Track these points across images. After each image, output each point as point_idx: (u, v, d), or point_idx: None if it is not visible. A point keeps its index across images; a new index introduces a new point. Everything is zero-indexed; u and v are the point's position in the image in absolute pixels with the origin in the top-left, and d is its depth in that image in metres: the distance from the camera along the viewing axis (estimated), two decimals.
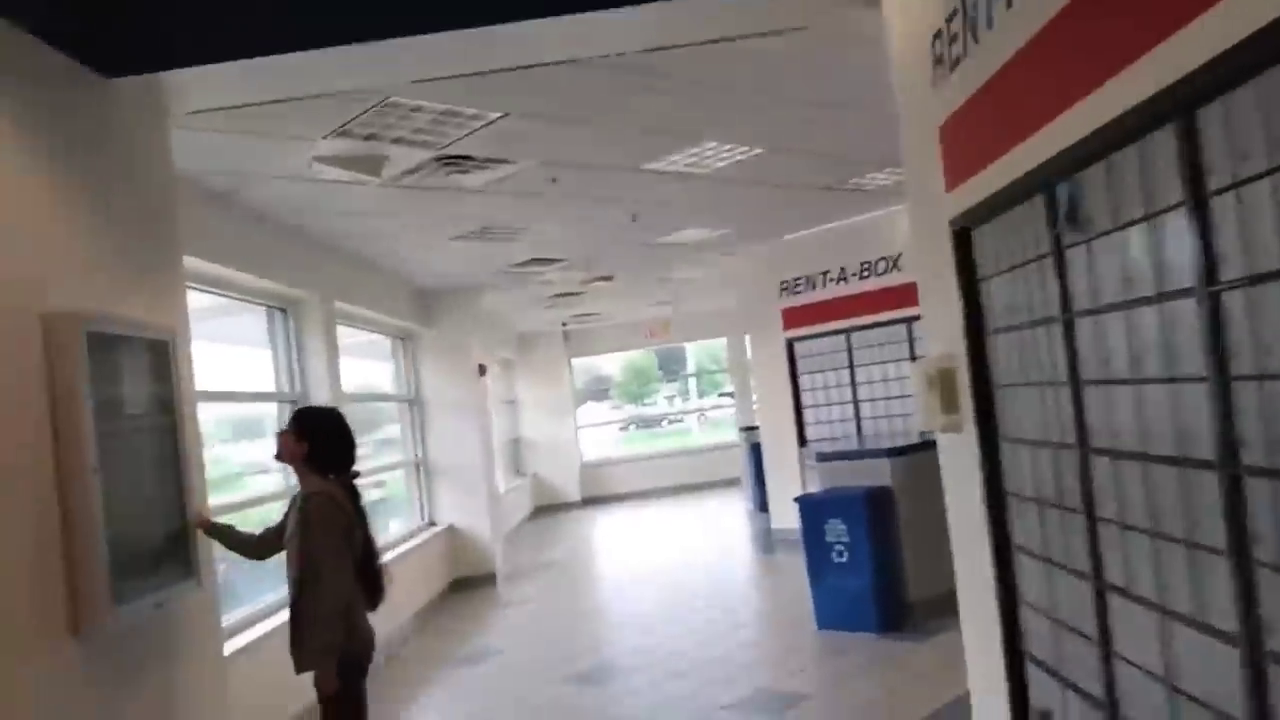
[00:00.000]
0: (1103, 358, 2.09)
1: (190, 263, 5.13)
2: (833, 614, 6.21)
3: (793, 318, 10.02)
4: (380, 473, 9.73)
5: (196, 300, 6.05)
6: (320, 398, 6.73)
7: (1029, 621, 2.73)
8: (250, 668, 4.68)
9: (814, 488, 7.50)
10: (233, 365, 6.93)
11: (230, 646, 4.66)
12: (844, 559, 6.15)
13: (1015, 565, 2.82)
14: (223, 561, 6.49)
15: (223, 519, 3.92)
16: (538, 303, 12.22)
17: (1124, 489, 2.05)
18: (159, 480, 3.47)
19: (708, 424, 27.22)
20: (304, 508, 3.45)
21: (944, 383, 3.23)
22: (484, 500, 9.98)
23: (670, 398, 31.60)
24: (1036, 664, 2.66)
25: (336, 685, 3.35)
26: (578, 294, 11.65)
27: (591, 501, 16.56)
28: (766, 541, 10.31)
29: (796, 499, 6.65)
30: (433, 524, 9.78)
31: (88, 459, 2.98)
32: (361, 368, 9.85)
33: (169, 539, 3.48)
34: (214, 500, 5.78)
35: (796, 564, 8.48)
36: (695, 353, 25.85)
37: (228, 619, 5.16)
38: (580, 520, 14.86)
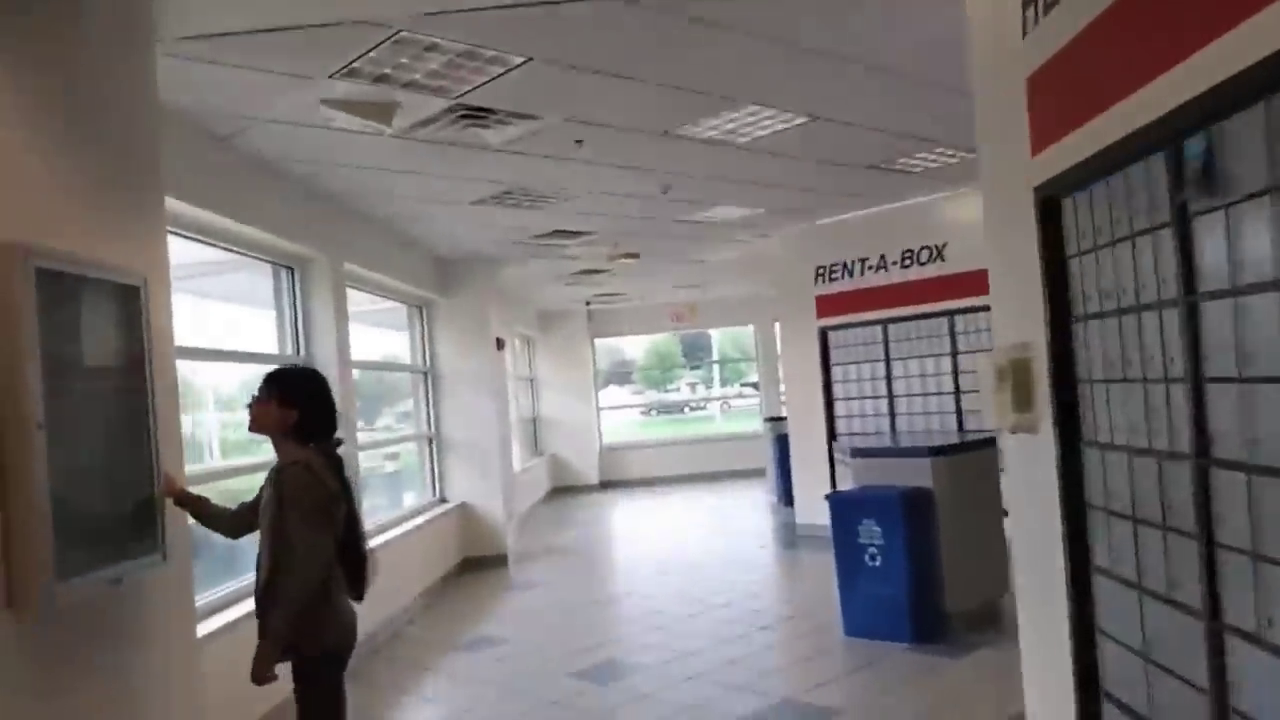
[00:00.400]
0: (1241, 349, 1.67)
1: (187, 210, 4.80)
2: (863, 621, 5.80)
3: (827, 306, 9.57)
4: (389, 445, 9.42)
5: (199, 253, 5.76)
6: (326, 362, 6.39)
7: (1110, 657, 2.31)
8: (231, 649, 4.31)
9: (844, 484, 7.08)
10: (240, 325, 6.61)
11: (210, 625, 4.32)
12: (877, 563, 5.72)
13: (1095, 590, 2.40)
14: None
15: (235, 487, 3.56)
16: (560, 279, 11.83)
17: (1259, 511, 1.63)
18: (124, 443, 3.11)
19: (731, 413, 26.89)
20: (279, 479, 3.09)
21: (1017, 376, 2.81)
22: (497, 478, 9.64)
23: (693, 385, 31.27)
24: (1121, 709, 2.24)
25: (271, 676, 2.98)
26: (603, 271, 11.25)
27: (610, 485, 16.22)
28: (790, 537, 9.89)
29: (828, 496, 6.22)
30: (444, 500, 9.47)
31: (30, 413, 2.62)
32: (375, 336, 9.53)
33: (133, 509, 3.12)
34: (238, 462, 5.59)
35: (822, 563, 8.07)
36: (720, 340, 25.38)
37: (218, 593, 4.84)
38: (597, 504, 14.51)
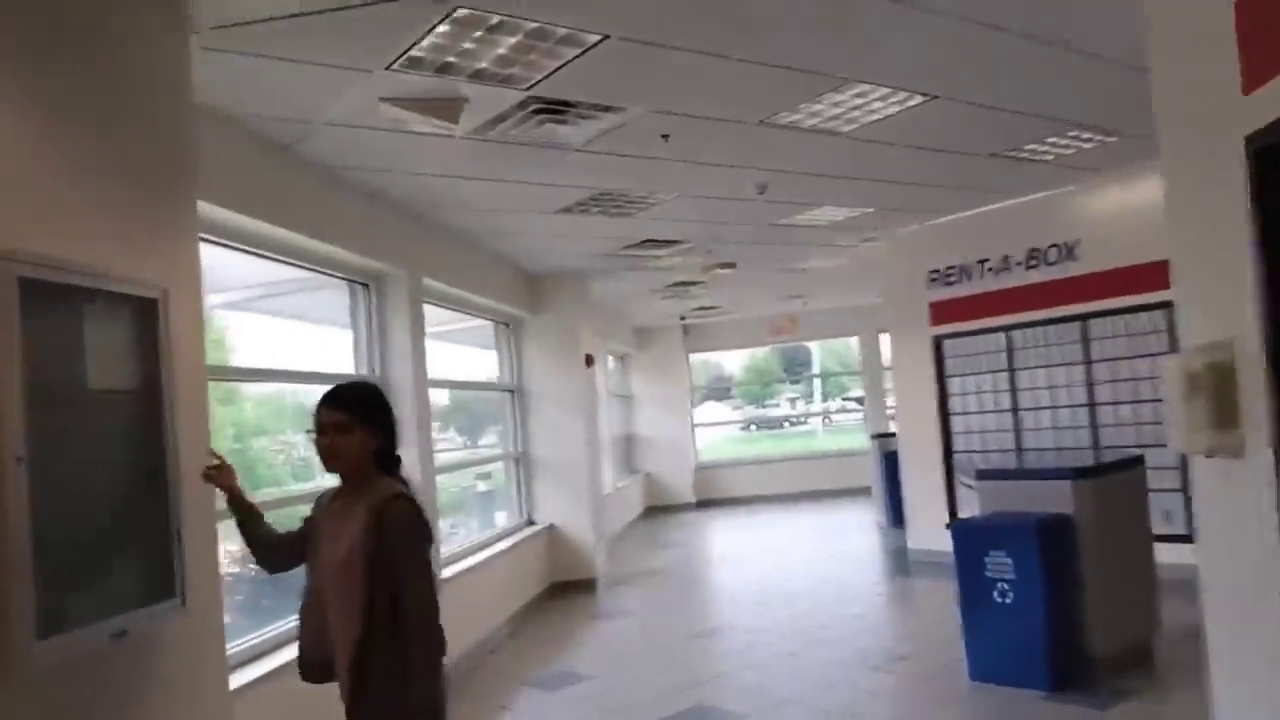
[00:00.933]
0: None
1: (251, 225, 4.49)
2: (991, 664, 5.08)
3: (942, 312, 8.79)
4: (475, 465, 9.08)
5: (273, 271, 5.50)
6: (402, 381, 6.05)
7: None
8: (274, 698, 3.90)
9: (967, 508, 6.36)
10: (318, 345, 6.34)
11: (252, 673, 3.89)
12: (1008, 599, 4.99)
13: None
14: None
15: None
16: (654, 293, 11.35)
17: None
18: (136, 476, 2.73)
19: (833, 428, 25.96)
20: (393, 514, 2.52)
21: (1218, 384, 2.17)
22: (587, 500, 9.19)
23: (793, 399, 30.39)
24: None
25: None
26: (697, 284, 10.72)
27: (706, 504, 15.62)
28: (901, 563, 9.11)
29: (951, 525, 5.50)
30: (532, 523, 9.06)
31: (7, 445, 2.23)
32: (466, 354, 9.24)
33: (145, 550, 2.74)
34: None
35: (939, 593, 7.34)
36: (821, 354, 24.48)
37: (269, 632, 4.47)
38: (693, 524, 13.92)
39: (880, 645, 6.29)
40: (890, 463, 10.47)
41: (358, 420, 2.61)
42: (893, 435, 10.88)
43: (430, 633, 2.49)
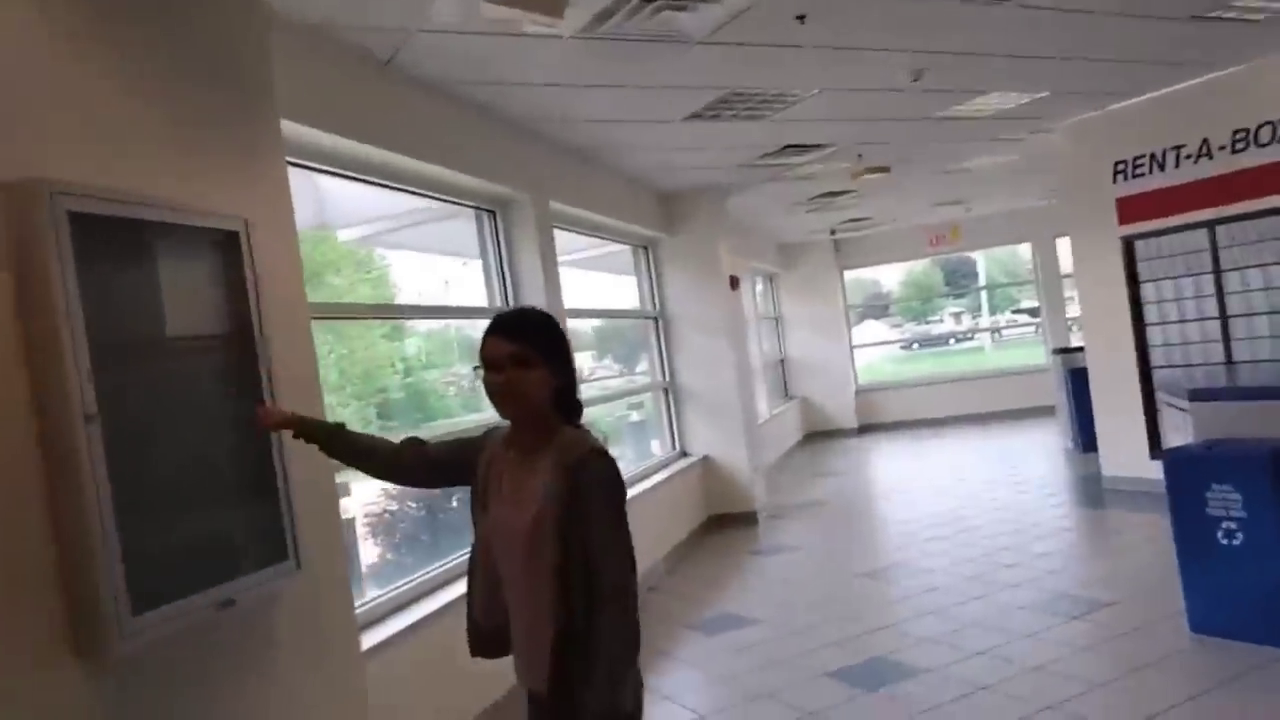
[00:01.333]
0: None
1: (359, 150, 4.22)
2: (1218, 615, 4.37)
3: (1132, 209, 7.72)
4: (624, 397, 8.81)
5: (401, 203, 5.27)
6: None
7: None
8: (414, 655, 3.71)
9: (1175, 432, 5.54)
10: (454, 278, 6.14)
11: (387, 630, 3.65)
12: (1236, 541, 4.25)
13: None
14: (457, 498, 5.77)
15: None
16: (799, 205, 10.61)
17: None
18: (230, 430, 2.50)
19: (1002, 343, 24.41)
20: (593, 474, 2.02)
21: None
22: (741, 429, 8.78)
23: (957, 314, 28.81)
24: None
25: None
26: (847, 193, 9.92)
27: (868, 429, 14.92)
28: (1094, 492, 8.24)
29: (1163, 453, 4.75)
30: (685, 454, 8.74)
31: (75, 403, 2.00)
32: (599, 282, 8.93)
33: (248, 509, 2.51)
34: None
35: (1142, 528, 6.56)
36: (986, 263, 22.90)
37: (417, 580, 4.31)
38: (855, 451, 13.29)
39: (1078, 589, 5.59)
40: (1076, 380, 9.47)
41: (539, 353, 2.09)
42: (1078, 350, 9.88)
43: (630, 625, 2.00)
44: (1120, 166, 7.75)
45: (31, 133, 2.04)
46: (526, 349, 2.08)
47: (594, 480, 2.01)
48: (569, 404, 2.16)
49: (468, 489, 2.22)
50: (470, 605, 2.20)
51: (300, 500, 2.59)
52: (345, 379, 4.86)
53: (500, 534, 2.11)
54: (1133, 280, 7.80)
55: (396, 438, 2.35)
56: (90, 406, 2.00)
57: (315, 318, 3.05)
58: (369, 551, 5.30)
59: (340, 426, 2.37)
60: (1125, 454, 7.83)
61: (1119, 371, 7.91)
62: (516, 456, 2.14)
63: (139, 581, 2.06)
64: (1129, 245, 7.78)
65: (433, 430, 5.07)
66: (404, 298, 5.40)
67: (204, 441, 2.39)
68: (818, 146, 7.32)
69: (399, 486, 3.88)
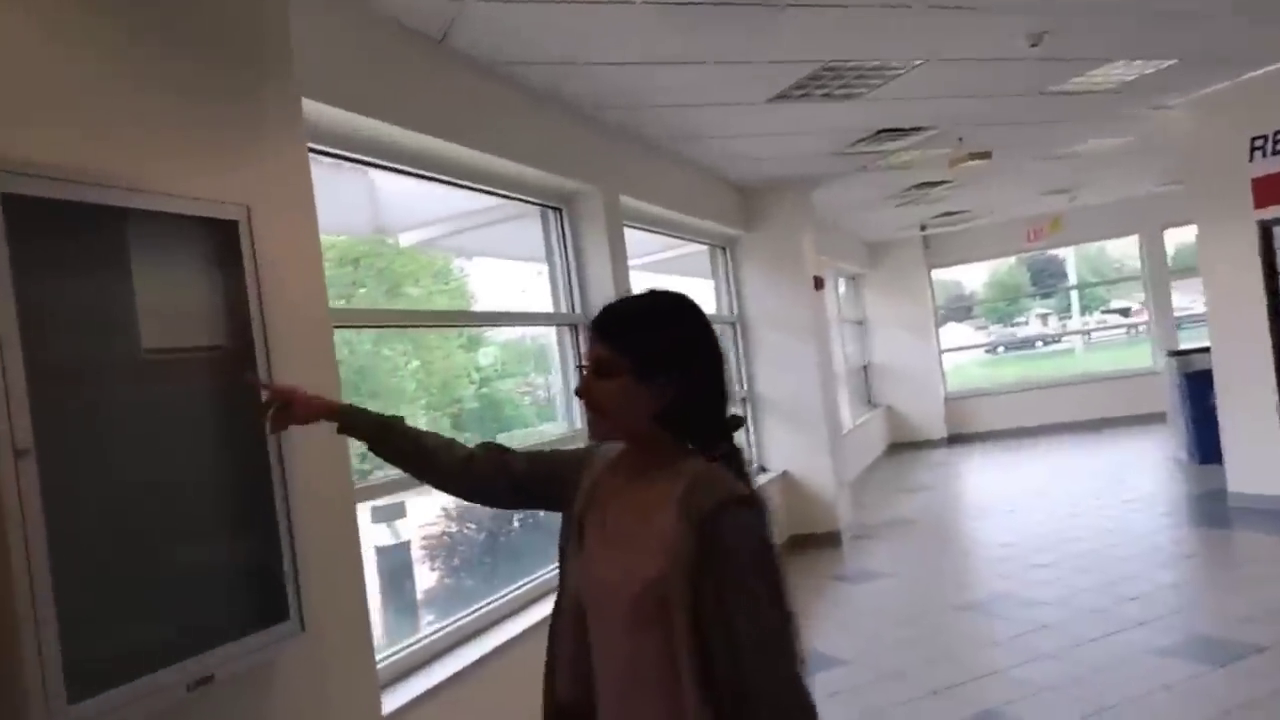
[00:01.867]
0: None
1: (410, 139, 3.81)
2: None
3: (1272, 190, 6.87)
4: None
5: (462, 203, 4.87)
6: None
7: None
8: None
9: None
10: (520, 283, 5.77)
11: (423, 683, 3.05)
12: None
13: None
14: (519, 519, 5.37)
15: None
16: (889, 200, 9.91)
17: None
18: (220, 460, 2.04)
19: (1093, 346, 23.15)
20: (737, 531, 1.45)
21: None
22: (824, 440, 8.15)
23: (1043, 316, 27.52)
24: None
25: None
26: (942, 184, 9.20)
27: (958, 439, 14.03)
28: (1218, 511, 7.38)
29: None
30: (763, 469, 8.15)
31: (2, 437, 1.57)
32: (677, 286, 8.42)
33: (232, 552, 2.06)
34: None
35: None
36: (1076, 261, 21.64)
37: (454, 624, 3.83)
38: (944, 463, 12.46)
39: (1219, 629, 4.83)
40: (1194, 385, 8.63)
41: (626, 357, 1.54)
42: (1194, 352, 9.03)
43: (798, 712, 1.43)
44: (1258, 142, 6.90)
45: None
46: (610, 352, 1.56)
47: (735, 542, 1.43)
48: (695, 425, 1.57)
49: (559, 515, 1.70)
50: (550, 669, 1.68)
51: (307, 537, 2.12)
52: (422, 389, 4.77)
53: (596, 590, 1.58)
54: (1270, 270, 6.94)
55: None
56: (22, 439, 1.56)
57: (338, 326, 2.59)
58: (426, 577, 4.95)
59: (397, 419, 1.80)
60: (1257, 467, 6.99)
61: (1252, 373, 7.04)
62: (624, 484, 1.61)
63: (80, 657, 1.60)
64: (1267, 231, 6.92)
65: (509, 440, 4.78)
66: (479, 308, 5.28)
67: (179, 470, 1.93)
68: (915, 130, 6.66)
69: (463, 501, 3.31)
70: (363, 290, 4.63)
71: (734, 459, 1.56)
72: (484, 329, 5.33)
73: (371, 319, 4.04)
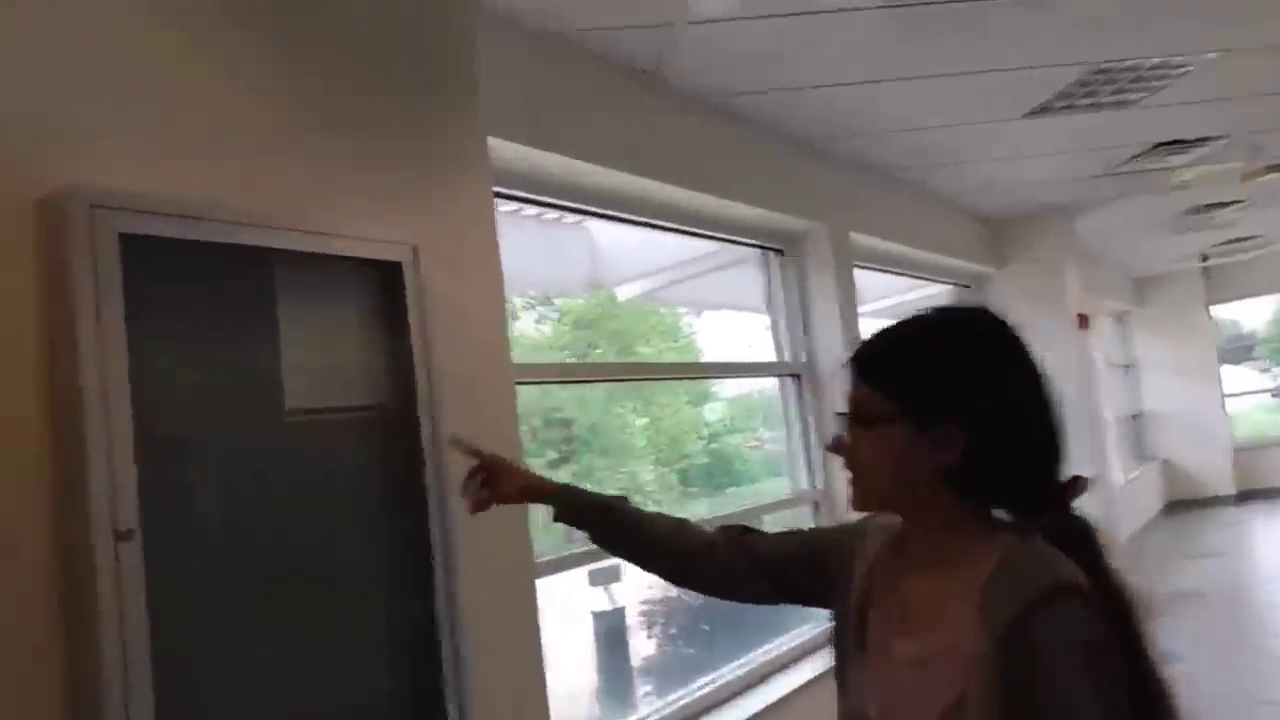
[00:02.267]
0: None
1: (620, 181, 3.55)
2: None
3: None
4: None
5: (674, 251, 4.59)
6: (831, 371, 4.77)
7: None
8: None
9: None
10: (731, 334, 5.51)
11: None
12: None
13: None
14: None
15: None
16: (1164, 226, 8.67)
17: None
18: (372, 541, 1.77)
19: None
20: (1063, 634, 1.07)
21: None
22: (1096, 498, 7.08)
23: None
24: None
25: None
26: (1231, 204, 7.91)
27: (1250, 496, 12.10)
28: None
29: None
30: None
31: (98, 512, 1.34)
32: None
33: (389, 668, 1.75)
34: None
35: None
36: None
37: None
38: (1236, 523, 10.76)
39: None
40: None
41: (894, 399, 1.18)
42: None
43: None
44: None
45: (83, 134, 1.45)
46: (873, 393, 1.19)
47: (1062, 650, 1.06)
48: (1004, 486, 1.19)
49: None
50: None
51: (473, 639, 1.79)
52: (651, 446, 4.81)
53: (884, 706, 1.19)
54: None
55: (697, 507, 1.51)
56: (125, 519, 1.33)
57: (520, 382, 2.29)
58: (642, 644, 4.66)
59: (620, 499, 1.49)
60: None
61: None
62: (910, 570, 1.22)
63: None
64: None
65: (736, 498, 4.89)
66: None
67: (323, 558, 1.66)
68: (1202, 141, 5.67)
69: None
70: (597, 350, 4.76)
71: (1070, 534, 1.15)
72: (711, 383, 5.22)
73: (556, 373, 3.78)
